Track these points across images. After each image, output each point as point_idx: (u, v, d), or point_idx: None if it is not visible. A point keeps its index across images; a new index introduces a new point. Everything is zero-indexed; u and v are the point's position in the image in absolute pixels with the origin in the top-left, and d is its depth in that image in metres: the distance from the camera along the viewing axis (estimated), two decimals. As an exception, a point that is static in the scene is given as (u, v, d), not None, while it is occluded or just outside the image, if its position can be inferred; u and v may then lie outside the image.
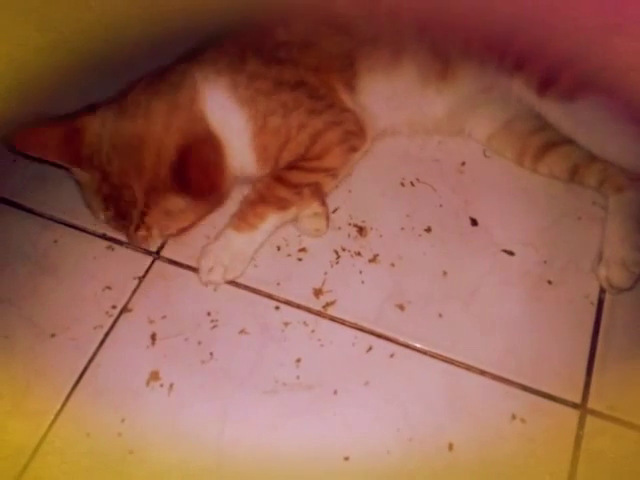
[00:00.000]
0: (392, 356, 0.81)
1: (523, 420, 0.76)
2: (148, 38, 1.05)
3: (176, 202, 0.83)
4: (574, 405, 0.77)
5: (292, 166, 0.87)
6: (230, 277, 0.86)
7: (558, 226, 0.90)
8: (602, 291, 0.84)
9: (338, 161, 0.89)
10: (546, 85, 0.84)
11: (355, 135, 0.89)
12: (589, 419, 0.76)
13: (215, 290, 0.87)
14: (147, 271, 0.90)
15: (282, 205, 0.86)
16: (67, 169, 0.88)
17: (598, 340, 0.81)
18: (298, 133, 0.85)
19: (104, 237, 0.93)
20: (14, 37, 1.08)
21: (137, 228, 0.84)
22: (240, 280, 0.88)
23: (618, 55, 0.77)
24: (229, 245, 0.86)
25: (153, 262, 0.91)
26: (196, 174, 0.79)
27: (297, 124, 0.85)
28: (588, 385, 0.78)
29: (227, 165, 0.84)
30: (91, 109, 0.85)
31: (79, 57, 1.08)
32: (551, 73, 0.83)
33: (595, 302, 0.84)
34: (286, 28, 0.88)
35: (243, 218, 0.86)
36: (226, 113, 0.84)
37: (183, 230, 0.88)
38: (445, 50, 0.88)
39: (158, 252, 0.91)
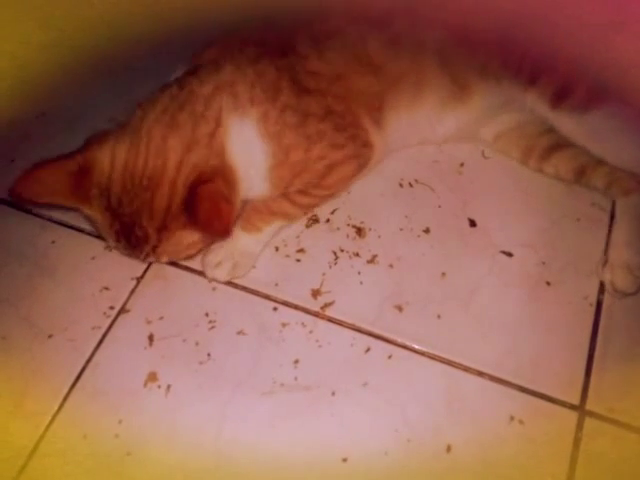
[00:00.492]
0: (390, 357, 0.81)
1: (522, 422, 0.76)
2: (151, 36, 1.05)
3: (187, 237, 0.80)
4: (573, 407, 0.76)
5: (302, 191, 0.88)
6: (239, 274, 0.87)
7: (557, 227, 0.90)
8: (601, 292, 0.84)
9: (345, 188, 0.93)
10: (560, 98, 0.84)
11: (362, 167, 0.90)
12: (588, 421, 0.75)
13: (214, 290, 0.87)
14: (145, 272, 0.90)
15: (289, 217, 0.90)
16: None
17: (597, 341, 0.80)
18: (315, 163, 0.85)
19: (102, 238, 0.92)
20: (17, 35, 1.08)
21: (147, 256, 0.82)
22: (238, 281, 0.87)
23: (620, 53, 0.77)
24: (236, 243, 0.87)
25: (151, 263, 0.90)
26: (206, 210, 0.74)
27: (316, 156, 0.84)
28: (587, 387, 0.77)
29: (239, 195, 0.81)
30: (98, 138, 0.80)
31: (81, 55, 1.08)
32: (565, 86, 0.84)
33: (594, 303, 0.83)
34: (319, 56, 0.86)
35: (250, 221, 0.88)
36: (249, 146, 0.80)
37: (191, 256, 0.86)
38: (463, 74, 0.89)
39: (156, 253, 0.91)
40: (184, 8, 1.10)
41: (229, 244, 0.86)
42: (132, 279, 0.89)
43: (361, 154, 0.89)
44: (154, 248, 0.80)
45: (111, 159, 0.78)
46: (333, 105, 0.85)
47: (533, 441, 0.74)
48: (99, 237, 0.92)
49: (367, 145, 0.89)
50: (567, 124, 0.85)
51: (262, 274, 0.88)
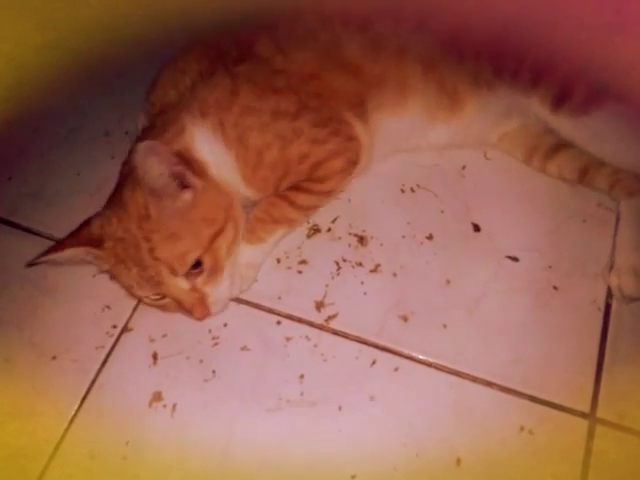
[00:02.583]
0: (397, 369, 0.80)
1: (531, 432, 0.75)
2: (147, 37, 1.03)
3: (165, 212, 0.76)
4: (583, 415, 0.75)
5: (298, 187, 0.86)
6: (245, 287, 0.85)
7: (563, 229, 0.88)
8: (609, 296, 0.83)
9: (338, 185, 0.89)
10: (560, 101, 0.82)
11: (354, 163, 0.88)
12: (599, 428, 0.74)
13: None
14: (146, 289, 0.89)
15: (291, 223, 0.88)
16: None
17: (606, 346, 0.79)
18: (299, 163, 0.84)
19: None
20: (14, 36, 1.08)
21: (158, 277, 0.76)
22: (241, 295, 0.86)
23: (619, 54, 0.75)
24: (241, 257, 0.85)
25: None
26: None
27: (298, 155, 0.83)
28: (597, 394, 0.76)
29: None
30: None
31: (79, 56, 1.07)
32: (564, 89, 0.81)
33: (602, 307, 0.82)
34: (285, 56, 0.85)
35: (253, 232, 0.86)
36: (215, 155, 0.81)
37: (216, 265, 0.79)
38: (452, 83, 0.86)
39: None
40: (180, 9, 1.08)
41: (234, 260, 0.84)
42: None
43: (347, 149, 0.86)
44: (152, 253, 0.76)
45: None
46: (307, 101, 0.84)
47: (544, 451, 0.73)
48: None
49: (352, 139, 0.87)
50: (567, 127, 0.83)
51: (264, 287, 0.87)
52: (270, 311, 0.85)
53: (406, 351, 0.81)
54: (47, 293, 0.90)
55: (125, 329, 0.86)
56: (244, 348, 0.83)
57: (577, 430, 0.74)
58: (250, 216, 0.87)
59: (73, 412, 0.80)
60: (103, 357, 0.84)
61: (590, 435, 0.74)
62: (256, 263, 0.87)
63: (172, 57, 0.90)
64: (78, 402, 0.81)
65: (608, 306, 0.82)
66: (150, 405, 0.79)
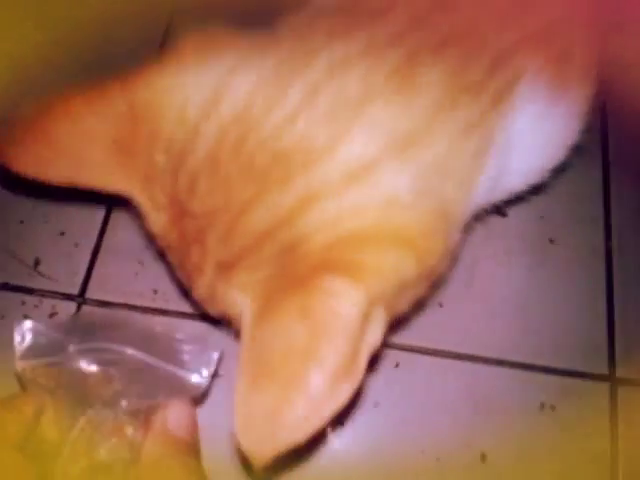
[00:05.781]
0: (397, 365, 0.69)
1: (553, 407, 0.68)
2: (148, 35, 0.94)
3: None
4: (602, 377, 0.69)
5: None
6: None
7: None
8: (608, 239, 0.75)
9: None
10: None
11: None
12: (621, 390, 0.68)
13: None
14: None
15: None
16: None
17: (614, 298, 0.72)
18: None
19: (6, 288, 0.72)
20: (13, 35, 0.96)
21: None
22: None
23: (618, 52, 0.65)
24: None
25: (79, 308, 0.72)
26: None
27: None
28: (612, 352, 0.70)
29: None
30: None
31: (79, 54, 0.96)
32: None
33: (603, 254, 0.74)
34: None
35: None
36: None
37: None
38: None
39: (82, 294, 0.72)
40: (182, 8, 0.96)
41: None
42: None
43: None
44: None
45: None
46: None
47: (569, 425, 0.67)
48: (3, 287, 0.72)
49: None
50: None
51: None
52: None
53: (405, 342, 0.70)
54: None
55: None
56: (214, 374, 0.69)
57: (599, 395, 0.68)
58: None
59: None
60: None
61: (613, 397, 0.68)
62: None
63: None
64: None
65: (609, 251, 0.75)
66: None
